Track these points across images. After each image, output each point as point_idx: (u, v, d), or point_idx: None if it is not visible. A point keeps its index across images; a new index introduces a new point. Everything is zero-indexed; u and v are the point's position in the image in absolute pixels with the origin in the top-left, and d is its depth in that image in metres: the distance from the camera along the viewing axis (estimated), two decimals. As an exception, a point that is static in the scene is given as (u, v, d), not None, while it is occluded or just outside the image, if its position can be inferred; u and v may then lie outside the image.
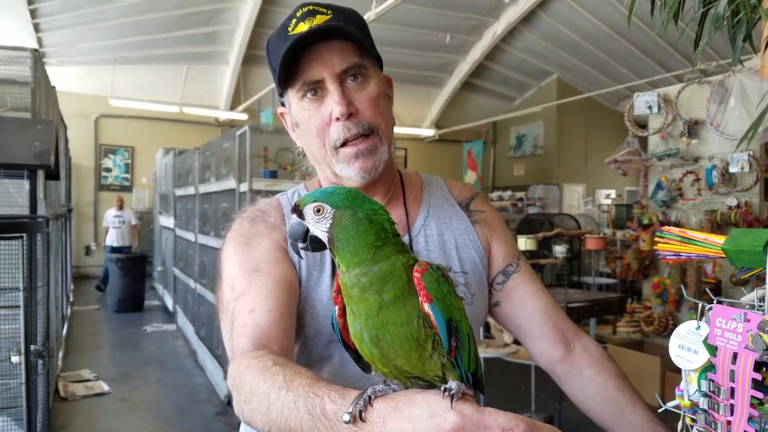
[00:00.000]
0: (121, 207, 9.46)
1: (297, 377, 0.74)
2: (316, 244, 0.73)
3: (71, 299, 8.31)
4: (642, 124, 5.09)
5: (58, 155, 3.77)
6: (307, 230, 0.73)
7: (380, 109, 0.99)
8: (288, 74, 0.96)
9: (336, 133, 0.97)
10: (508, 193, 9.06)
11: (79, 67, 10.26)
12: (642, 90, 4.98)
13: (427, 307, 0.67)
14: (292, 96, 1.00)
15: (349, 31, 0.94)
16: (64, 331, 6.39)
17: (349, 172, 0.99)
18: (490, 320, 3.85)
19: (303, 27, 0.94)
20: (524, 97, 13.04)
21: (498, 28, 9.81)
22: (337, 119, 0.96)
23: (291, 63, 0.94)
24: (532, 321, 1.11)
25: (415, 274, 0.68)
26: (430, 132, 13.11)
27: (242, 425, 1.14)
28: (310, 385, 0.71)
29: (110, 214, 9.43)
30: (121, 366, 5.65)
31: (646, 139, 5.01)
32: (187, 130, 11.52)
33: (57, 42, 9.21)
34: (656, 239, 0.81)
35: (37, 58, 3.93)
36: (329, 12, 0.96)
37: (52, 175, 3.86)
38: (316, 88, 0.97)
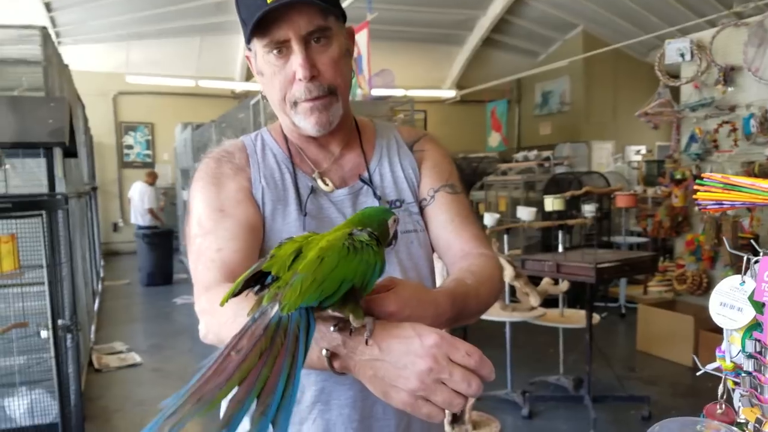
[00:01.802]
0: (152, 183, 9.14)
1: None
2: None
3: (102, 275, 8.46)
4: (674, 75, 4.87)
5: (74, 133, 3.75)
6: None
7: (340, 69, 1.06)
8: (256, 28, 1.00)
9: (298, 92, 1.04)
10: (534, 152, 8.83)
11: (94, 45, 10.22)
12: (673, 38, 4.75)
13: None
14: (258, 47, 1.04)
15: (315, 1, 0.98)
16: (96, 305, 6.52)
17: (305, 124, 1.07)
18: (516, 284, 3.79)
19: None
20: (549, 52, 12.66)
21: (518, -20, 9.49)
22: (300, 80, 1.02)
23: (260, 20, 0.99)
24: (440, 252, 1.18)
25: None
26: (451, 93, 12.86)
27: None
28: None
29: (138, 189, 9.09)
30: (153, 337, 5.76)
31: (678, 90, 4.81)
32: (205, 104, 11.46)
33: (70, 21, 9.16)
34: (695, 187, 0.73)
35: (47, 36, 3.89)
36: None
37: (70, 152, 3.85)
38: (282, 47, 1.01)
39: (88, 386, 4.29)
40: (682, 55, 4.54)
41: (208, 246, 1.00)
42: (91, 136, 8.90)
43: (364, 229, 0.81)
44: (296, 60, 1.01)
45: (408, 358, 0.69)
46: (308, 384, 1.03)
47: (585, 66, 11.58)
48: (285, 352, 0.64)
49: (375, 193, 1.14)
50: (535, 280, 3.88)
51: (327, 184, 1.13)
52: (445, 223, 1.15)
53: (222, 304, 0.76)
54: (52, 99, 3.75)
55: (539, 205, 5.61)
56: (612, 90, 12.08)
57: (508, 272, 3.38)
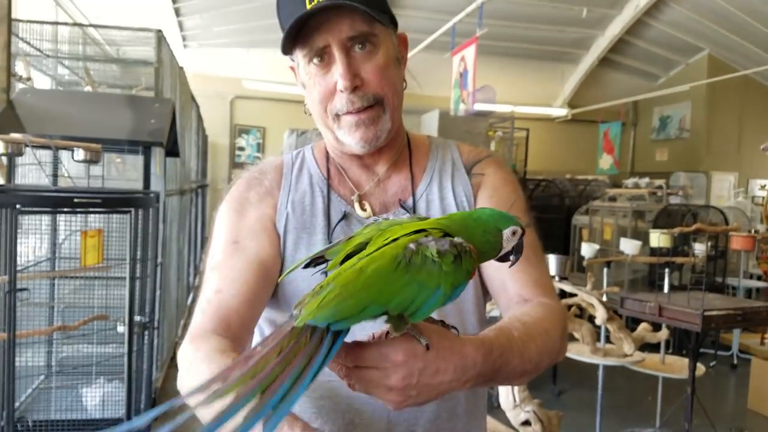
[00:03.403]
0: None
1: None
2: None
3: (200, 269, 8.75)
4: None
5: (175, 133, 3.87)
6: None
7: (388, 78, 0.96)
8: (296, 37, 0.94)
9: (339, 104, 0.95)
10: (646, 180, 8.22)
11: (216, 50, 10.72)
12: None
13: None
14: (300, 58, 0.97)
15: (358, 4, 0.90)
16: (189, 299, 6.75)
17: (350, 140, 0.97)
18: (611, 326, 3.47)
19: None
20: (670, 75, 11.86)
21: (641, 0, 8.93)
22: (341, 91, 0.94)
23: (299, 26, 0.92)
24: (494, 294, 1.02)
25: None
26: (562, 111, 12.35)
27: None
28: None
29: None
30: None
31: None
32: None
33: (195, 25, 9.66)
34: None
35: (161, 39, 4.04)
36: None
37: (171, 152, 3.98)
38: (323, 55, 0.94)
39: (167, 381, 4.39)
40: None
41: (210, 284, 0.95)
42: (206, 135, 9.31)
43: (444, 236, 0.67)
44: (337, 69, 0.92)
45: None
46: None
47: (709, 92, 10.74)
48: (304, 353, 0.61)
49: None
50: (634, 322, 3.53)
51: (364, 210, 1.02)
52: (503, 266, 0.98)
53: (302, 266, 0.74)
54: (159, 100, 3.89)
55: (648, 236, 5.18)
56: (737, 118, 11.13)
57: (600, 314, 3.09)
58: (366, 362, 0.66)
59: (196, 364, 0.85)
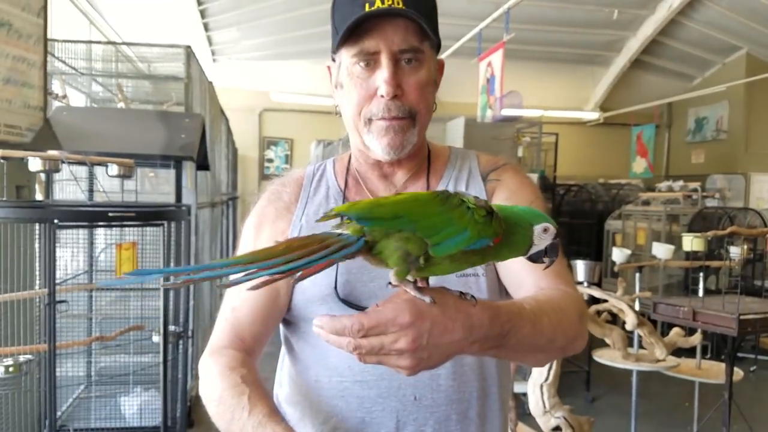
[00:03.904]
0: None
1: (259, 403, 0.88)
2: None
3: (234, 279, 8.87)
4: None
5: (205, 147, 3.96)
6: None
7: (425, 95, 1.00)
8: (347, 37, 0.97)
9: (375, 108, 0.98)
10: (680, 183, 8.02)
11: (244, 63, 10.92)
12: None
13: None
14: (345, 58, 1.00)
15: (416, 17, 0.94)
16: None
17: (376, 145, 1.00)
18: (642, 332, 3.41)
19: None
20: (705, 76, 11.61)
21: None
22: (382, 96, 0.97)
23: (354, 27, 0.95)
24: (511, 292, 1.03)
25: None
26: (593, 115, 12.20)
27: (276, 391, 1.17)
28: (269, 416, 0.86)
29: None
30: (270, 345, 5.91)
31: None
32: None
33: (224, 40, 9.85)
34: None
35: (190, 55, 4.14)
36: None
37: (201, 165, 4.08)
38: (370, 60, 0.97)
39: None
40: None
41: (228, 300, 1.03)
42: (236, 148, 9.47)
43: (481, 199, 0.72)
44: (382, 75, 0.96)
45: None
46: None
47: (747, 91, 10.49)
48: (320, 248, 0.67)
49: None
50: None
51: None
52: (515, 265, 0.97)
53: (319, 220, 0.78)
54: (189, 115, 3.98)
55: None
56: (778, 118, 10.85)
57: (630, 319, 3.04)
58: (374, 330, 0.66)
59: (212, 377, 0.95)
